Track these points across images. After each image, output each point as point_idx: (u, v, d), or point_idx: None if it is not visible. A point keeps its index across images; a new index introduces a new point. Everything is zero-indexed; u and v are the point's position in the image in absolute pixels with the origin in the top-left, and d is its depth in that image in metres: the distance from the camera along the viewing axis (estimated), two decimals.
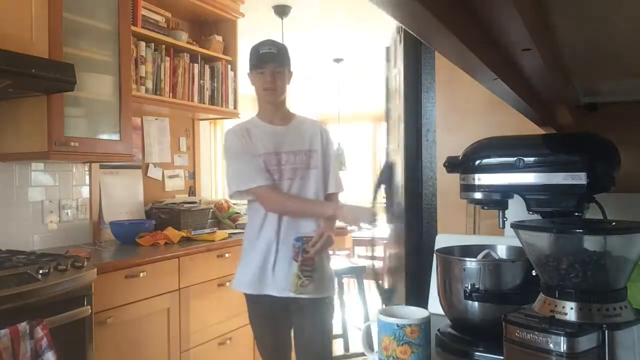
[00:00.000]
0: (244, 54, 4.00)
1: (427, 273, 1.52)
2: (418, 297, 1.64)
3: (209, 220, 3.41)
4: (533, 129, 1.29)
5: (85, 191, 2.91)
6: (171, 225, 3.05)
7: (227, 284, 2.92)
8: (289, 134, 2.11)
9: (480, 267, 1.07)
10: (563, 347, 0.77)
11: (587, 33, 0.77)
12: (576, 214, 1.04)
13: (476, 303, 1.06)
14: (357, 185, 6.44)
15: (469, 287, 1.05)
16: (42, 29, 2.23)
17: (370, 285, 5.95)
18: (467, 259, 1.10)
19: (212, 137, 4.25)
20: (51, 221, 2.72)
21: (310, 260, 1.94)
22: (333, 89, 6.28)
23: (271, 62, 2.03)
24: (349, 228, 4.92)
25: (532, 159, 1.08)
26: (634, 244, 0.85)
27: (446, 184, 1.62)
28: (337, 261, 4.12)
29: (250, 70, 2.09)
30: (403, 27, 0.55)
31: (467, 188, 1.17)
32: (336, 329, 3.03)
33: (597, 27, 0.75)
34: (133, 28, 2.82)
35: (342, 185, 2.19)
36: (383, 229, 2.24)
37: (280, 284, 2.02)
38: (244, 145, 2.05)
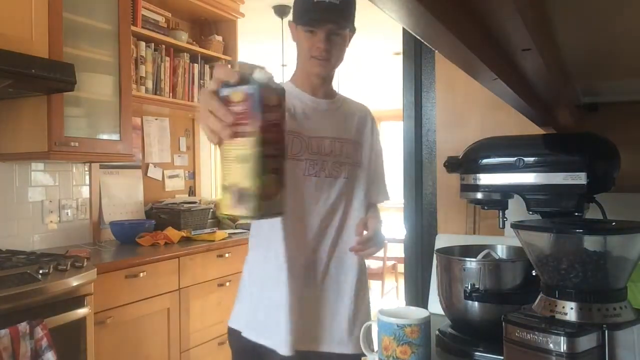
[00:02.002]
0: (244, 54, 4.02)
1: (427, 273, 1.52)
2: (418, 297, 1.64)
3: (209, 220, 3.41)
4: (533, 129, 1.29)
5: (85, 191, 2.91)
6: (171, 225, 3.05)
7: (227, 283, 2.92)
8: (335, 113, 1.50)
9: (480, 267, 1.07)
10: (563, 347, 0.77)
11: (587, 33, 0.77)
12: (576, 214, 1.04)
13: (476, 303, 1.06)
14: None
15: (469, 287, 1.05)
16: (42, 29, 2.23)
17: (370, 285, 5.97)
18: (467, 259, 1.10)
19: None
20: (51, 221, 2.71)
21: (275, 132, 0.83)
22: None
23: (330, 21, 1.36)
24: None
25: (532, 159, 1.08)
26: (634, 244, 0.85)
27: (446, 184, 1.62)
28: None
29: (295, 20, 1.43)
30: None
31: (467, 188, 1.17)
32: None
33: (597, 27, 0.75)
34: (133, 28, 2.82)
35: (388, 193, 1.61)
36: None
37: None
38: None
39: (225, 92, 0.83)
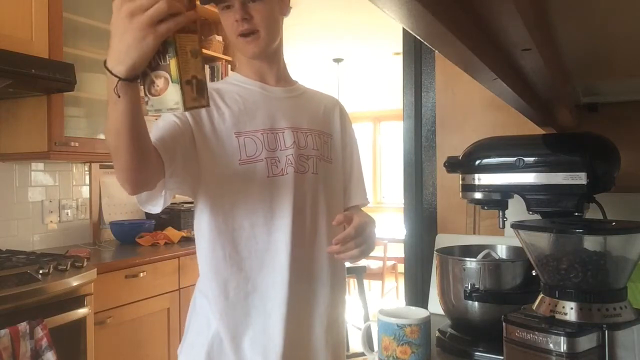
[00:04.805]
0: None
1: (427, 273, 1.52)
2: (418, 297, 1.64)
3: None
4: (533, 129, 1.29)
5: (85, 191, 2.91)
6: (171, 225, 3.05)
7: None
8: (293, 101, 1.30)
9: (480, 267, 1.07)
10: (563, 347, 0.77)
11: (587, 33, 0.77)
12: (576, 214, 1.04)
13: (476, 303, 1.06)
14: None
15: (469, 287, 1.05)
16: (42, 29, 2.23)
17: (370, 285, 5.96)
18: (467, 259, 1.10)
19: None
20: (51, 221, 2.71)
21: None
22: (333, 89, 6.29)
23: None
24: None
25: (532, 159, 1.08)
26: (634, 244, 0.85)
27: (446, 184, 1.62)
28: None
29: (214, 3, 1.20)
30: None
31: (467, 188, 1.17)
32: None
33: (597, 27, 0.75)
34: None
35: (367, 196, 1.41)
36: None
37: None
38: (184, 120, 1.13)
39: None
